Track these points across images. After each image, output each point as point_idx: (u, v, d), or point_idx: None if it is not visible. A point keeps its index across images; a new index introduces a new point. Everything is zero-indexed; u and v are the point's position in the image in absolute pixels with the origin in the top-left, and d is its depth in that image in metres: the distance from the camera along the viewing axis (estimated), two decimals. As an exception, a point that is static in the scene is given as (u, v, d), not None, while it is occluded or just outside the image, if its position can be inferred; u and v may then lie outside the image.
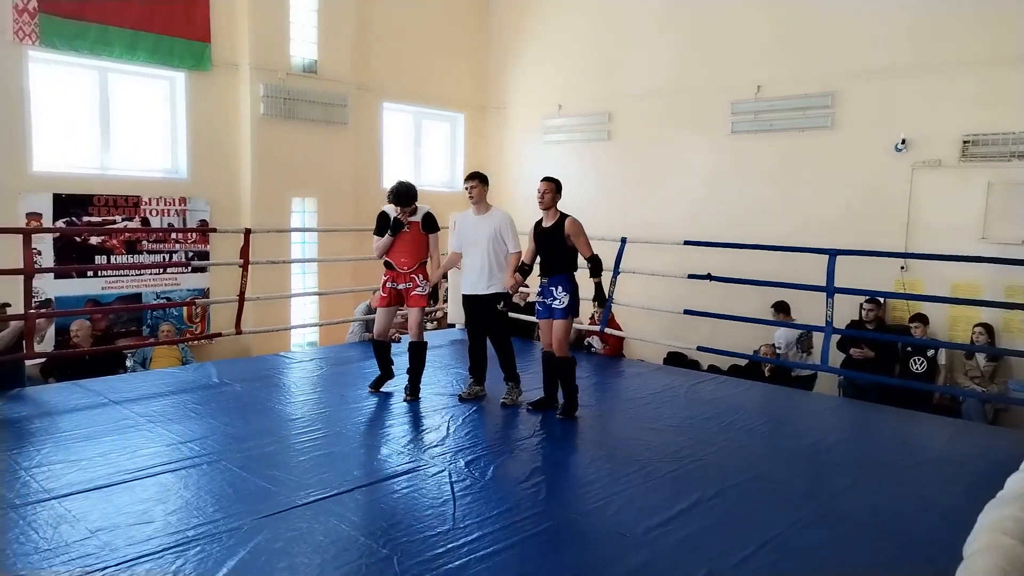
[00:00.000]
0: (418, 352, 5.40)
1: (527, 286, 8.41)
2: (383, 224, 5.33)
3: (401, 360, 5.63)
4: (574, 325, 5.59)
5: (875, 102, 7.70)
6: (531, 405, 5.18)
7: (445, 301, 9.04)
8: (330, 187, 9.11)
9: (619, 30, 9.77)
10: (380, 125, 10.12)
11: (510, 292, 5.21)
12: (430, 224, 5.38)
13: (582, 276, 5.09)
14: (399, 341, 6.73)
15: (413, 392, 5.39)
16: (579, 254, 5.00)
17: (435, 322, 9.45)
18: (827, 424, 5.16)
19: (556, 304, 4.97)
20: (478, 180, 5.32)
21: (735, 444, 4.57)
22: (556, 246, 4.97)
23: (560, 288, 4.95)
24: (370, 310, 7.24)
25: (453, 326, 8.27)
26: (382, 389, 5.54)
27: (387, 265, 5.38)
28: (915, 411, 5.73)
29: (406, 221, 5.28)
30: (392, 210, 5.31)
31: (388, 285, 5.37)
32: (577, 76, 10.27)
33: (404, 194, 5.22)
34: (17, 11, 6.92)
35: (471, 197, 5.32)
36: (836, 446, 4.62)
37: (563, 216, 5.01)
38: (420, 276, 5.37)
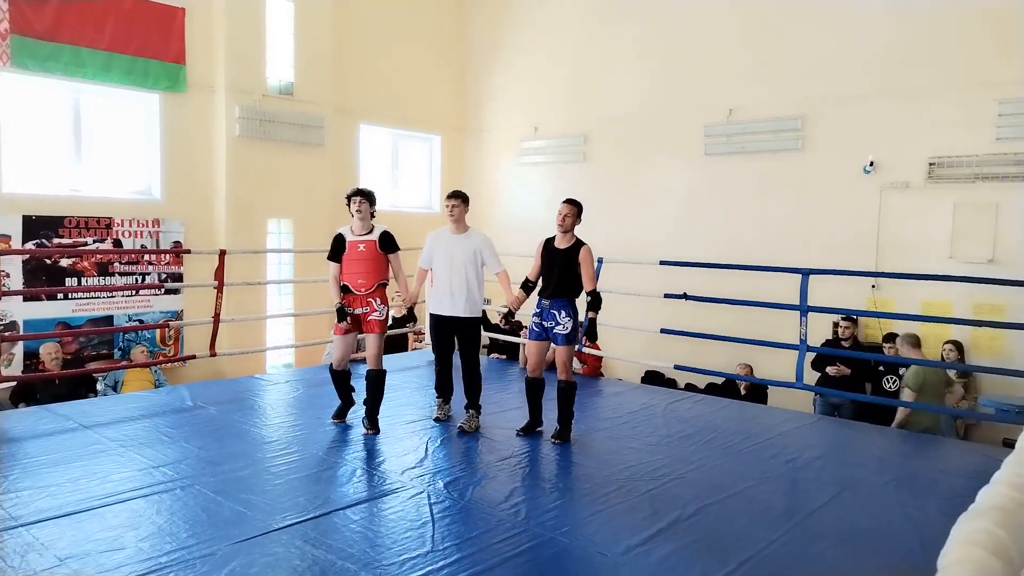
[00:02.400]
0: (377, 382, 5.06)
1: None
2: (336, 247, 5.09)
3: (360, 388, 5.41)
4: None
5: (844, 125, 7.88)
6: (521, 430, 5.09)
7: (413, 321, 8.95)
8: (306, 208, 9.08)
9: (594, 54, 9.92)
10: (357, 146, 10.14)
11: (512, 310, 5.14)
12: (387, 244, 5.09)
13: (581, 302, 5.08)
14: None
15: (372, 424, 5.02)
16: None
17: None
18: (803, 441, 5.20)
19: (559, 329, 4.88)
20: (460, 200, 5.25)
21: (713, 462, 4.59)
22: (568, 270, 4.91)
23: (564, 313, 4.88)
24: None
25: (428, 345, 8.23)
26: (347, 420, 5.29)
27: (344, 289, 5.08)
28: (888, 427, 5.80)
29: (349, 308, 5.06)
30: (348, 230, 5.11)
31: (345, 310, 5.06)
32: (553, 99, 10.39)
33: (367, 191, 5.06)
34: (-12, 31, 6.85)
35: (451, 215, 5.21)
36: (812, 463, 4.66)
37: (580, 242, 4.97)
38: (378, 300, 5.06)
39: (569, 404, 4.98)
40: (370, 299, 5.06)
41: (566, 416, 4.98)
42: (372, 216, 5.11)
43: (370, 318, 5.07)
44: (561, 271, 4.94)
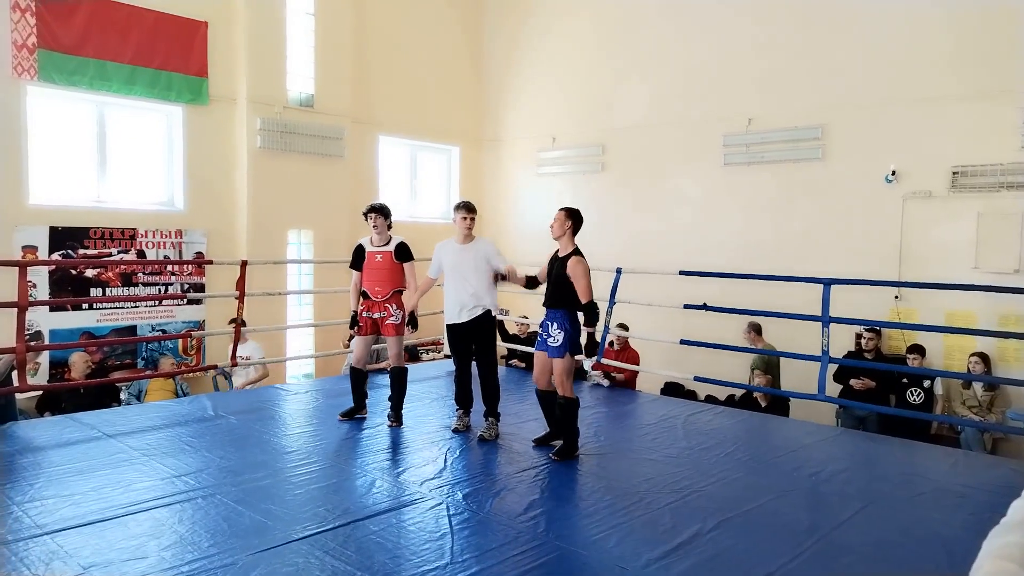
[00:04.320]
0: (399, 378, 5.48)
1: (526, 318, 8.40)
2: (357, 256, 5.53)
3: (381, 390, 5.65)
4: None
5: (864, 134, 7.82)
6: (537, 441, 5.05)
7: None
8: (326, 219, 9.16)
9: (611, 64, 9.93)
10: (376, 158, 10.21)
11: (509, 273, 5.14)
12: (403, 253, 5.46)
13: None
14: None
15: (396, 418, 5.45)
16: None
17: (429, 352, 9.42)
18: (826, 455, 5.13)
19: (551, 342, 4.79)
20: (475, 213, 5.36)
21: (734, 475, 4.54)
22: (559, 279, 4.82)
23: (556, 325, 4.78)
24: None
25: (450, 357, 8.24)
26: (365, 420, 5.58)
27: (363, 295, 5.49)
28: (913, 441, 5.71)
29: (363, 315, 5.47)
30: (368, 241, 5.48)
31: (364, 314, 5.48)
32: (571, 109, 10.40)
33: (381, 207, 5.46)
34: (16, 47, 7.00)
35: (468, 227, 5.28)
36: (836, 476, 4.60)
37: (573, 252, 4.84)
38: (394, 305, 5.43)
39: (568, 421, 4.78)
40: (387, 305, 5.43)
41: (568, 433, 4.80)
42: (389, 228, 5.51)
43: (387, 322, 5.45)
44: (554, 280, 4.86)
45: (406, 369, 5.55)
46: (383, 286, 5.41)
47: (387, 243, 5.44)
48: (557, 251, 5.00)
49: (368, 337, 5.53)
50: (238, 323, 6.57)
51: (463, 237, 5.31)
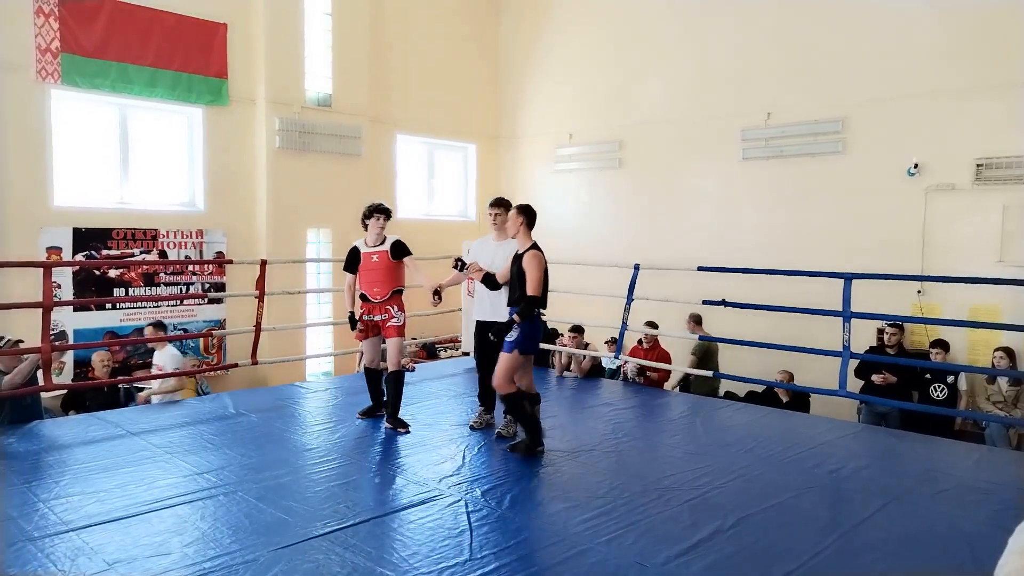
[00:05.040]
0: (396, 382, 5.30)
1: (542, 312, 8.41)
2: (352, 259, 5.41)
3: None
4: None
5: (886, 127, 7.72)
6: (510, 447, 4.89)
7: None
8: (345, 218, 9.18)
9: (628, 59, 9.88)
10: (394, 156, 10.26)
11: (465, 264, 5.09)
12: (399, 251, 5.30)
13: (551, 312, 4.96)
14: (413, 371, 6.78)
15: (395, 422, 5.27)
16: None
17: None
18: (847, 451, 5.07)
19: (508, 336, 4.70)
20: (503, 208, 5.26)
21: (754, 472, 4.51)
22: (517, 276, 4.76)
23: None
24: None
25: (468, 354, 8.26)
26: (383, 418, 5.52)
27: (363, 297, 5.35)
28: (937, 437, 5.64)
29: (359, 317, 5.38)
30: (363, 243, 5.39)
31: (364, 317, 5.35)
32: (588, 105, 10.37)
33: (388, 210, 5.39)
34: (40, 51, 7.11)
35: (494, 224, 5.26)
36: (857, 473, 4.55)
37: (532, 247, 4.78)
38: (395, 307, 5.30)
39: (518, 413, 4.74)
40: (388, 307, 5.30)
41: (523, 425, 4.75)
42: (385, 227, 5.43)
43: (389, 324, 5.32)
44: (514, 277, 4.80)
45: (403, 373, 5.41)
46: (381, 286, 5.26)
47: (382, 242, 5.32)
48: (517, 249, 4.90)
49: (374, 339, 5.45)
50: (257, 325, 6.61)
51: (497, 234, 5.29)
